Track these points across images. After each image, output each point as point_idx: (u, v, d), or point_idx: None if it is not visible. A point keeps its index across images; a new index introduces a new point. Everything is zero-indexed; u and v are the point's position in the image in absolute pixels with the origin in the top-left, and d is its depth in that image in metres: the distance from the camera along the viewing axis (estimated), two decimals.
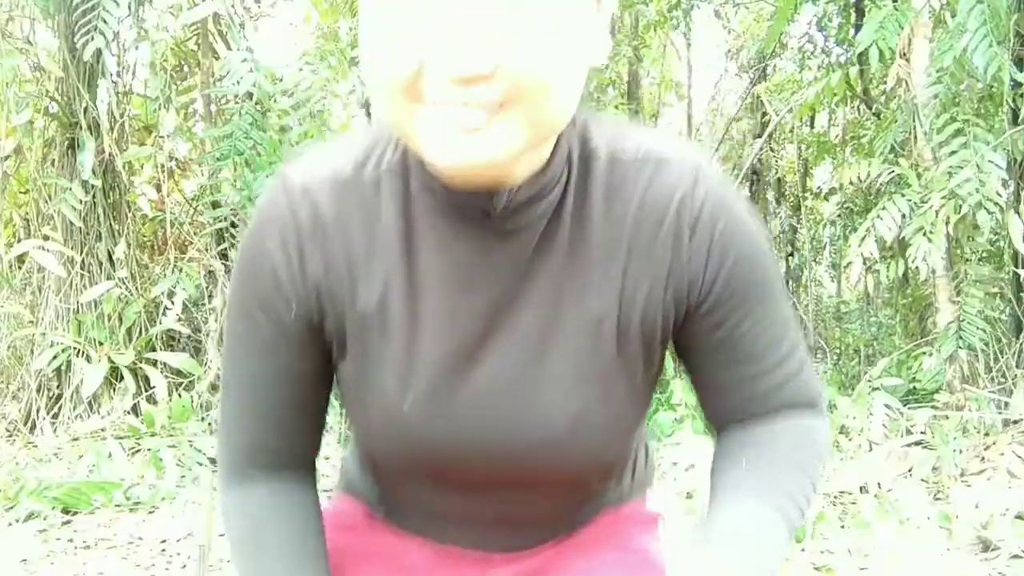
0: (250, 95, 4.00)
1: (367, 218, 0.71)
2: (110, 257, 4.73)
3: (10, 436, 4.57)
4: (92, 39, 3.62)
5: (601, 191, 0.71)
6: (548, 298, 0.71)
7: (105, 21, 3.65)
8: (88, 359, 4.55)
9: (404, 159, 0.72)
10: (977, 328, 4.42)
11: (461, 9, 0.54)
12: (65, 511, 3.51)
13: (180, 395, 4.54)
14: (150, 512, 3.43)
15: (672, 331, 0.76)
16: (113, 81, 4.58)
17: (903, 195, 4.41)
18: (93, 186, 4.51)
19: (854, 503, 3.36)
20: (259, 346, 0.74)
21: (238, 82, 3.91)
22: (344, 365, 0.76)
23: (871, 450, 3.94)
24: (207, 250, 4.85)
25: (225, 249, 4.82)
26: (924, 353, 4.84)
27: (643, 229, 0.71)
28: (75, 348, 4.55)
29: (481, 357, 0.72)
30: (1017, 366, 4.65)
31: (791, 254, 9.62)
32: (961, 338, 4.44)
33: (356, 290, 0.71)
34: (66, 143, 4.68)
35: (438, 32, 0.55)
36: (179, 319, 4.61)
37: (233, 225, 4.71)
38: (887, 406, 4.18)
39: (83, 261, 4.70)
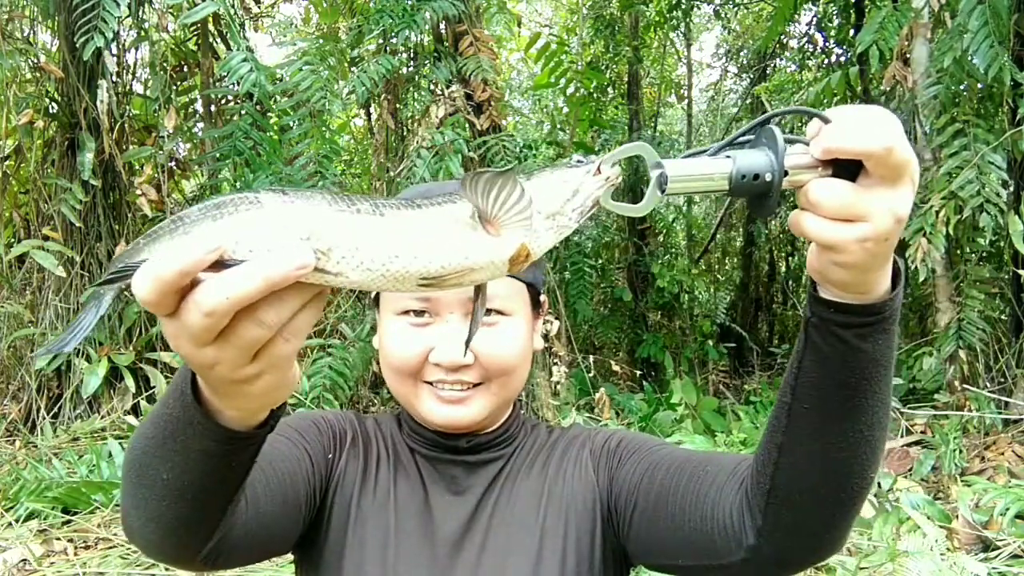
0: (250, 95, 4.00)
1: (379, 446, 1.06)
2: (110, 257, 4.73)
3: (10, 436, 4.57)
4: (92, 39, 3.61)
5: (539, 447, 1.07)
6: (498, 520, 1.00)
7: (105, 21, 3.64)
8: (88, 359, 4.55)
9: (398, 417, 1.09)
10: (977, 328, 4.43)
11: (453, 324, 0.95)
12: (65, 511, 3.51)
13: None
14: None
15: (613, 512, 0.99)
16: (113, 81, 4.57)
17: None
18: (93, 186, 4.51)
19: None
20: (292, 432, 0.97)
21: (238, 82, 3.91)
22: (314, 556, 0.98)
23: None
24: None
25: None
26: (924, 353, 4.84)
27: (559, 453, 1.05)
28: (75, 348, 4.55)
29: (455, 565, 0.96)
30: (1017, 366, 4.65)
31: (791, 254, 9.64)
32: (961, 338, 4.45)
33: (361, 487, 1.00)
34: (66, 143, 4.67)
35: (438, 337, 0.94)
36: None
37: None
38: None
39: (83, 261, 4.70)
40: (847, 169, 0.63)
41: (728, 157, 0.65)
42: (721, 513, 0.82)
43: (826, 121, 0.63)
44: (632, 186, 5.83)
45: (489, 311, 0.97)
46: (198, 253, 0.50)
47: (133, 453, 0.72)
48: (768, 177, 0.63)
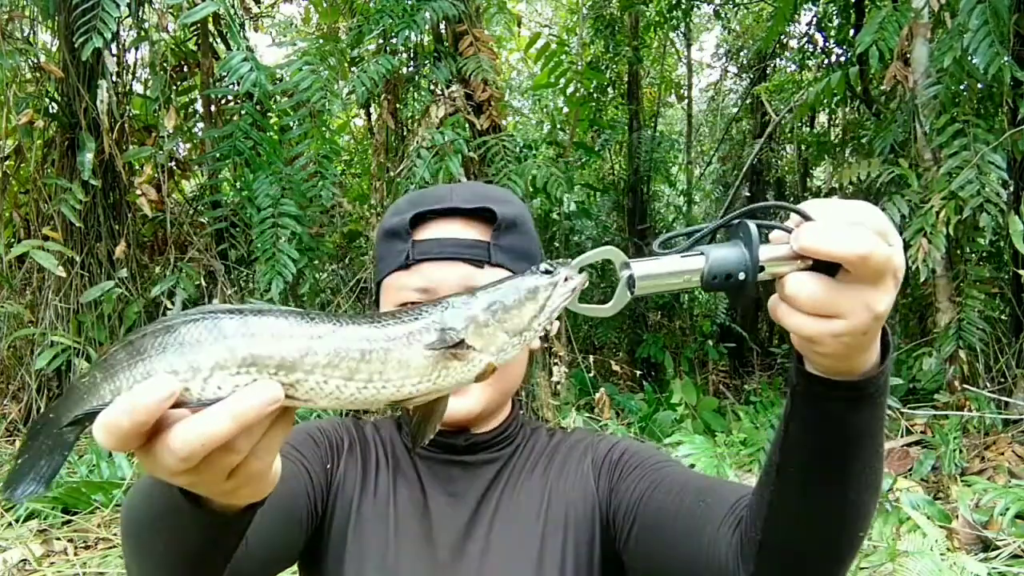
0: (250, 95, 4.00)
1: (378, 451, 1.07)
2: (110, 257, 4.73)
3: (10, 436, 4.57)
4: (92, 39, 3.61)
5: (539, 451, 1.07)
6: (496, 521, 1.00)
7: (105, 21, 3.64)
8: (88, 359, 4.54)
9: (399, 420, 1.10)
10: (977, 328, 4.43)
11: None
12: (65, 511, 3.51)
13: None
14: None
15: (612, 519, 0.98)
16: (113, 81, 4.57)
17: (903, 195, 4.41)
18: (93, 186, 4.51)
19: None
20: (288, 449, 0.97)
21: (238, 82, 3.90)
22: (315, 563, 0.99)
23: None
24: (207, 250, 4.84)
25: (225, 249, 4.81)
26: (924, 353, 4.84)
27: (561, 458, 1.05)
28: (75, 348, 4.55)
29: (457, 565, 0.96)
30: (1017, 366, 4.65)
31: None
32: (961, 338, 4.44)
33: (361, 493, 1.01)
34: (66, 143, 4.67)
35: None
36: None
37: (233, 225, 4.70)
38: (887, 406, 4.17)
39: (83, 261, 4.69)
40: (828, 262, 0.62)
41: (701, 253, 0.63)
42: (716, 551, 0.82)
43: (806, 218, 0.61)
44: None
45: None
46: (155, 400, 0.50)
47: (128, 524, 0.73)
48: (741, 276, 0.62)
